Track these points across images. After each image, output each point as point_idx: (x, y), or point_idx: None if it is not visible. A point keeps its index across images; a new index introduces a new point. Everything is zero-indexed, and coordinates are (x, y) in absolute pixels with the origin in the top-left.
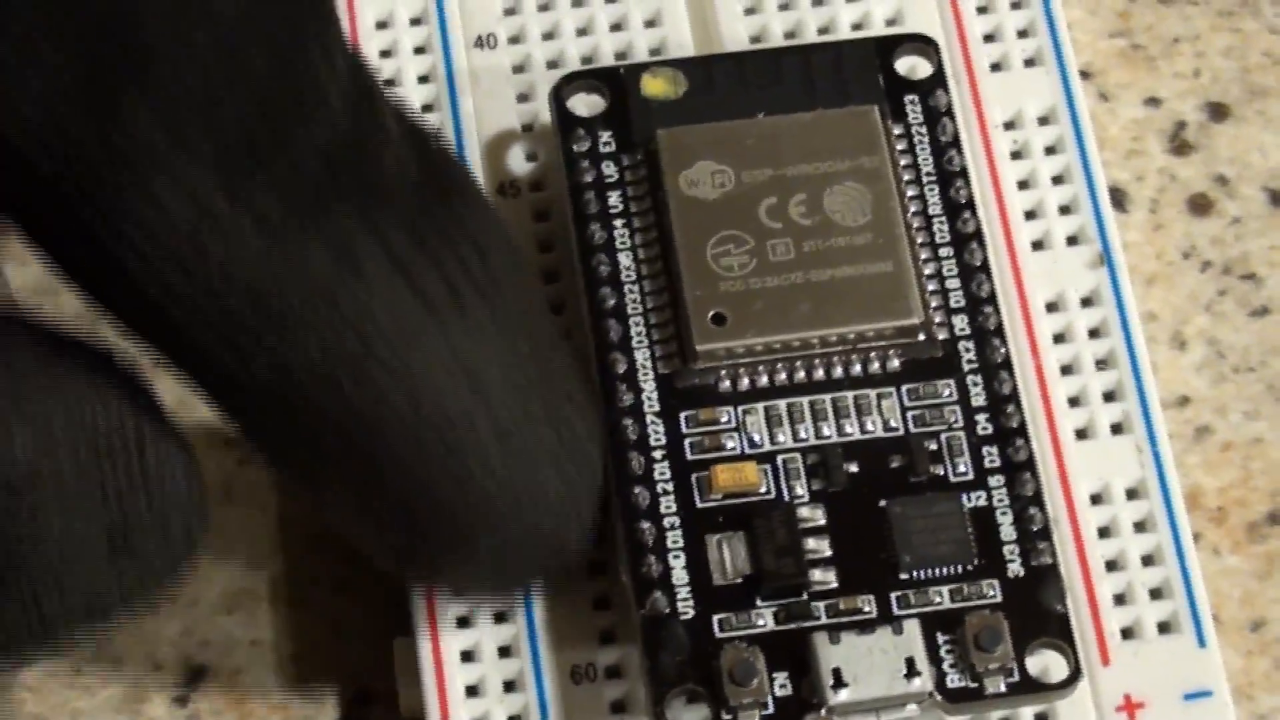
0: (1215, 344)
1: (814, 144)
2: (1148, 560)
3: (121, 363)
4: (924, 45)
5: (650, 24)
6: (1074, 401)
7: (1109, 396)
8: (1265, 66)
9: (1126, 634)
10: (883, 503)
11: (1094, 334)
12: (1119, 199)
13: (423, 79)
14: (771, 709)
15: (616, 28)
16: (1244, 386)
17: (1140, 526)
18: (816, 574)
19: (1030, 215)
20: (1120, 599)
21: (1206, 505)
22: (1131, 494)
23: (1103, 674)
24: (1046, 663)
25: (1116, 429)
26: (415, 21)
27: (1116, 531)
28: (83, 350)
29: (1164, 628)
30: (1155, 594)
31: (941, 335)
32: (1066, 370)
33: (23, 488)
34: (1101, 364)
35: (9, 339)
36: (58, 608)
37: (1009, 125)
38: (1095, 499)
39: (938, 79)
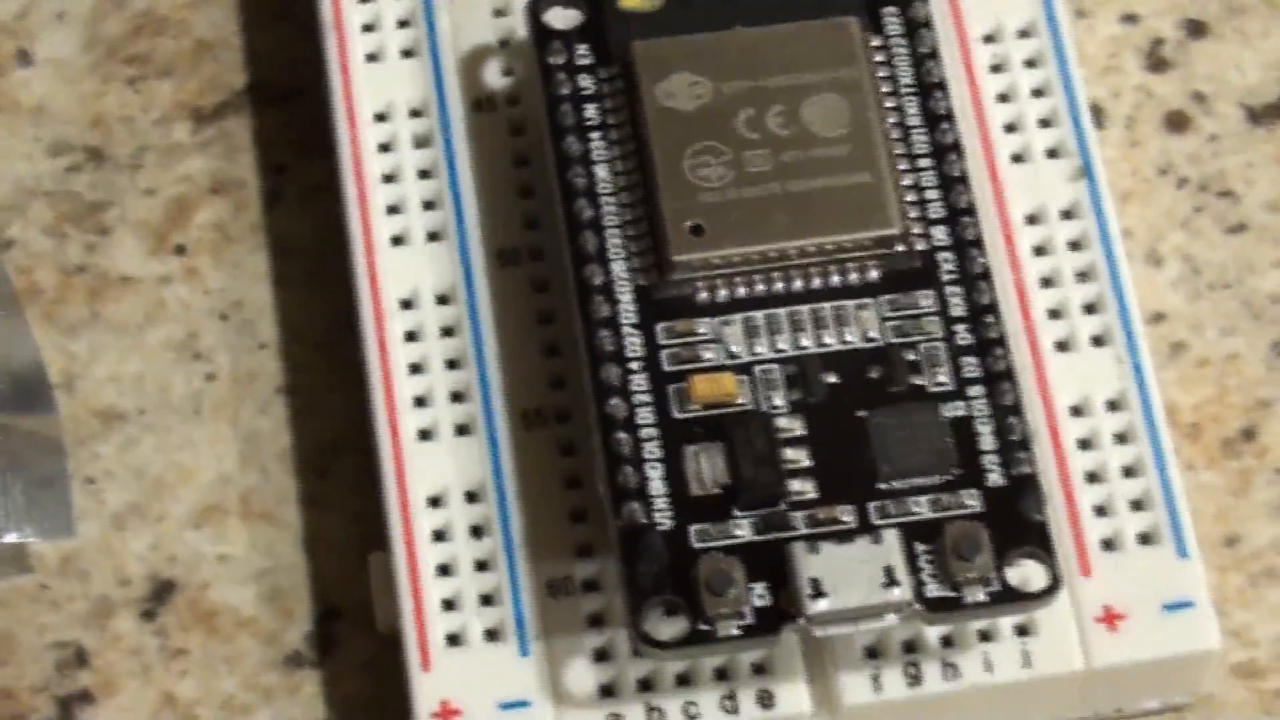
0: (1191, 260)
1: (792, 55)
2: (1128, 472)
3: None
4: None
5: None
6: (1054, 314)
7: (1089, 309)
8: None
9: (1107, 545)
10: (861, 413)
11: (1074, 247)
12: (1096, 115)
13: None
14: (750, 619)
15: None
16: (1219, 303)
17: (1121, 438)
18: (795, 484)
19: (1010, 129)
20: (1101, 510)
21: (1182, 421)
22: (1112, 406)
23: (1083, 585)
24: (1026, 573)
25: (1097, 341)
26: None
27: (1097, 443)
28: None
29: (1144, 539)
30: (1136, 505)
31: (920, 246)
32: (1046, 283)
33: None
34: (1081, 276)
35: None
36: None
37: (989, 39)
38: (1076, 411)
39: None
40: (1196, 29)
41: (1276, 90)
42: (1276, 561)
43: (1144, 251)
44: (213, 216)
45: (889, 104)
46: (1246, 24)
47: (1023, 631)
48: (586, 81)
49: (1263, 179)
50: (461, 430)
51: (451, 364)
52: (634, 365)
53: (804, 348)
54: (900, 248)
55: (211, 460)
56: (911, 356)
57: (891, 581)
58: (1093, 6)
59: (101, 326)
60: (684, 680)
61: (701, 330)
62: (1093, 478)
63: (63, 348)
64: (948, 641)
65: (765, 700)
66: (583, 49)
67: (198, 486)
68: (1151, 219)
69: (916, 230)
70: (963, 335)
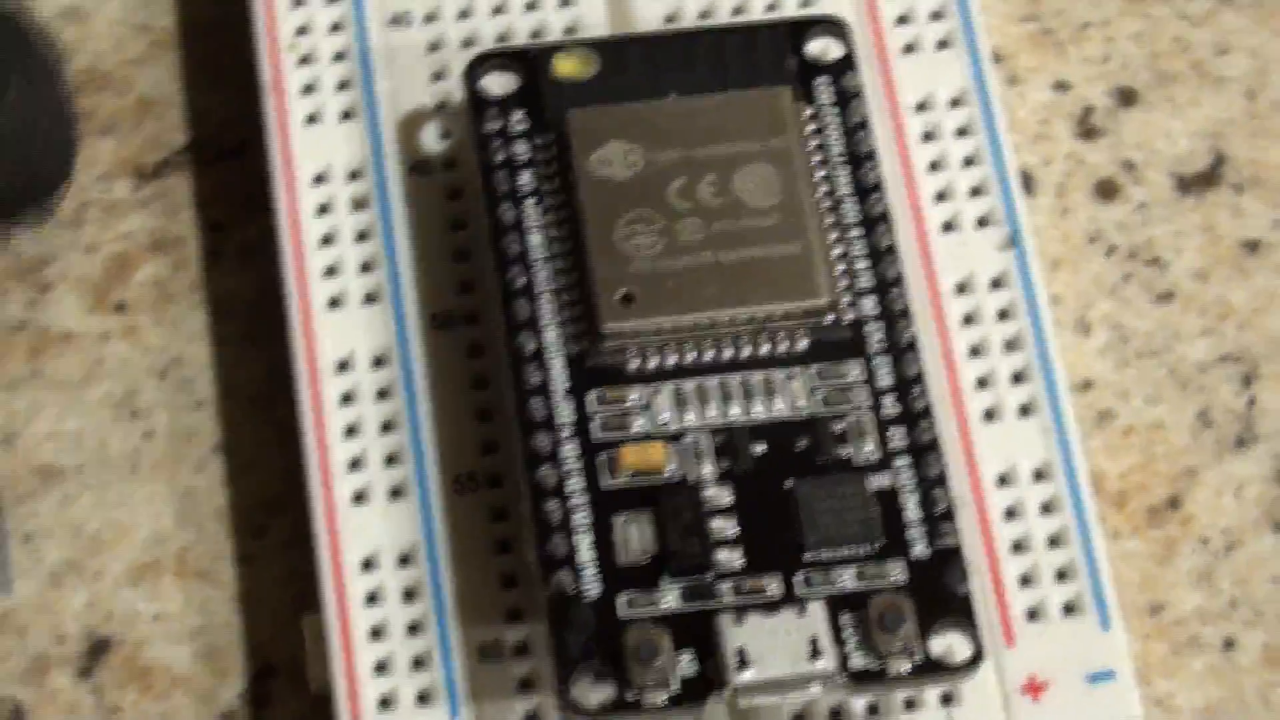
0: (1119, 328)
1: (725, 125)
2: (1053, 542)
3: None
4: (836, 27)
5: (564, 3)
6: (982, 383)
7: (1017, 378)
8: (1174, 53)
9: (1032, 615)
10: (789, 484)
11: (1002, 316)
12: (1026, 183)
13: (338, 56)
14: (676, 688)
15: (531, 6)
16: (1146, 371)
17: (1046, 508)
18: (722, 554)
19: (940, 197)
20: (1025, 580)
21: (1108, 489)
22: (1038, 475)
23: (1008, 654)
24: (950, 644)
25: (1024, 410)
26: None
27: (1022, 513)
28: None
29: (1069, 609)
30: (1060, 575)
31: (849, 316)
32: (975, 352)
33: None
34: (1009, 346)
35: None
36: None
37: (920, 107)
38: (1002, 480)
39: (849, 61)
40: (1127, 97)
41: (1205, 159)
42: (1200, 630)
43: (1073, 319)
44: (153, 274)
45: (820, 174)
46: (1176, 92)
47: (947, 700)
48: (521, 148)
49: (1190, 247)
50: (395, 494)
51: (386, 427)
52: (564, 433)
53: (733, 418)
54: (829, 318)
55: (148, 518)
56: (839, 427)
57: (816, 652)
58: (1024, 74)
59: (41, 383)
60: None
61: (632, 399)
62: (1018, 547)
63: (3, 404)
64: (873, 709)
65: None
66: (519, 115)
67: (134, 544)
68: (1080, 286)
69: (845, 301)
70: (890, 406)
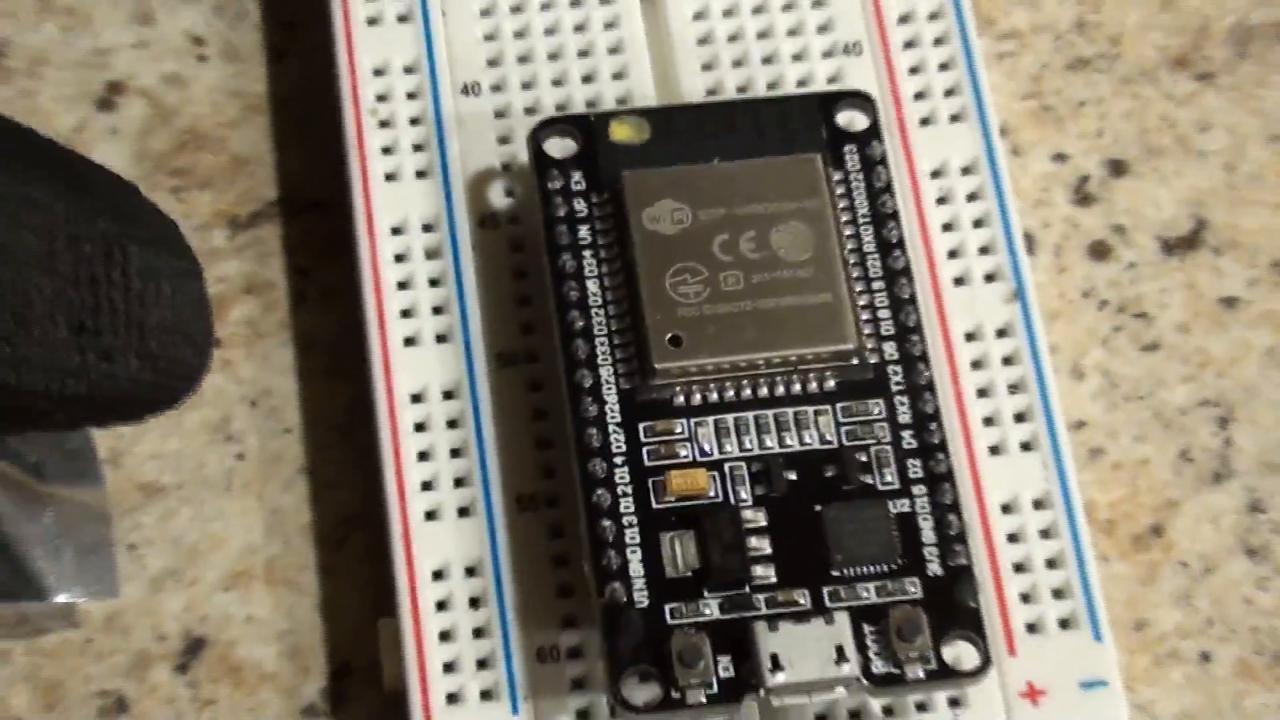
0: (1109, 375)
1: (763, 187)
2: (1051, 564)
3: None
4: (862, 101)
5: (618, 76)
6: (988, 421)
7: (1019, 417)
8: (1161, 129)
9: (1031, 628)
10: (818, 507)
11: (1007, 361)
12: (1028, 243)
13: (414, 121)
14: (716, 689)
15: (588, 79)
16: (1133, 413)
17: (1045, 534)
18: (758, 570)
19: (953, 254)
20: (1026, 597)
21: (1098, 518)
22: (1038, 504)
23: (1009, 663)
24: (960, 653)
25: (1026, 446)
26: (408, 69)
27: (1024, 537)
28: (94, 170)
29: (1064, 624)
30: (1057, 594)
31: (873, 359)
32: (982, 393)
33: None
34: (1013, 388)
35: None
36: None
37: (935, 174)
38: (1006, 508)
39: (873, 131)
40: (1118, 168)
41: (1188, 224)
42: (1179, 645)
43: (1069, 366)
44: (245, 314)
45: (848, 232)
46: (1162, 164)
47: (955, 704)
48: (580, 205)
49: (1174, 303)
50: (463, 512)
51: (455, 452)
52: (617, 460)
53: (768, 448)
54: (855, 361)
55: (240, 531)
56: (862, 458)
57: (841, 658)
58: (1027, 146)
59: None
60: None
61: (678, 430)
62: (1019, 568)
63: (111, 428)
64: (889, 711)
65: None
66: (577, 176)
67: (227, 554)
68: (1076, 337)
69: (869, 345)
70: (908, 440)
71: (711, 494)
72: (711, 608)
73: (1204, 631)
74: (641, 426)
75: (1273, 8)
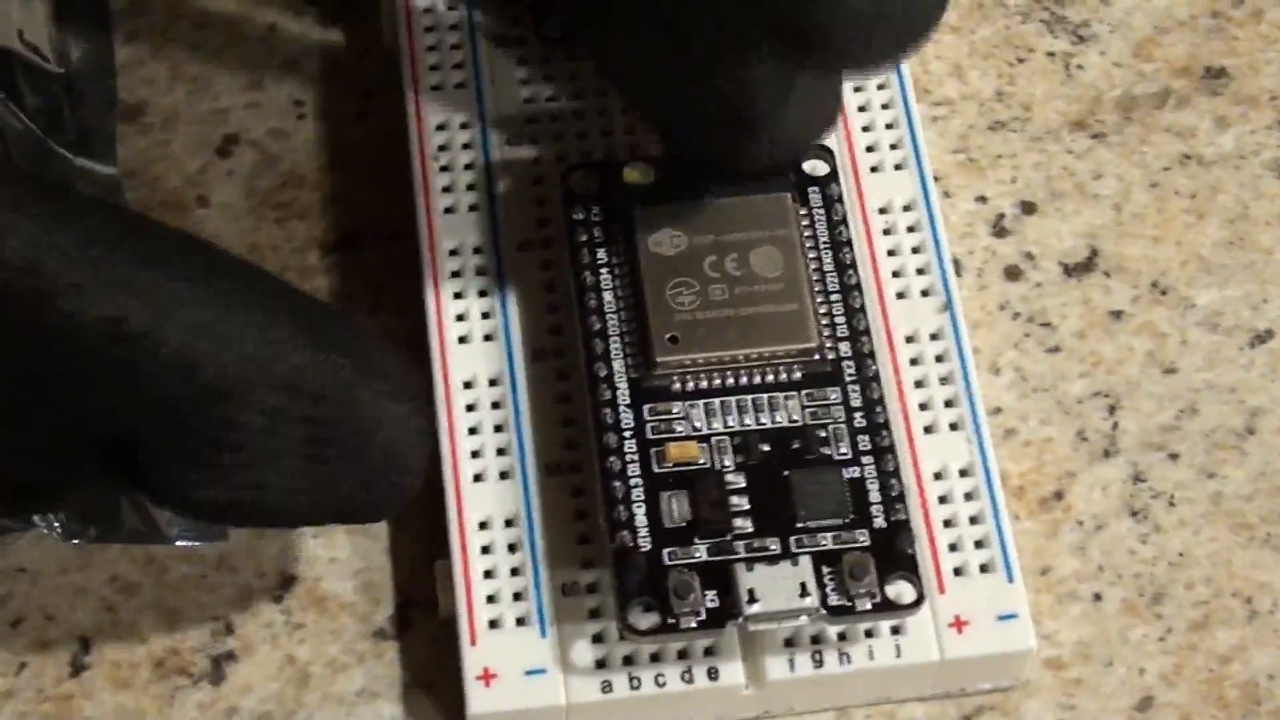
0: (1020, 371)
1: (744, 219)
2: (973, 520)
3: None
4: (824, 153)
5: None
6: (923, 406)
7: (948, 404)
8: (1063, 177)
9: (957, 572)
10: (786, 473)
11: (938, 359)
12: (956, 267)
13: (468, 166)
14: (704, 616)
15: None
16: (1039, 402)
17: (969, 496)
18: (738, 521)
19: (896, 274)
20: (953, 547)
21: (1011, 485)
22: (963, 473)
23: (940, 600)
24: (900, 590)
25: (953, 427)
26: (464, 126)
27: (951, 499)
28: (333, 316)
29: (984, 568)
30: (978, 544)
31: (830, 356)
32: (918, 384)
33: (233, 392)
34: (943, 380)
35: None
36: (251, 493)
37: (882, 210)
38: (937, 476)
39: (832, 176)
40: (1028, 208)
41: (1084, 252)
42: (1076, 587)
43: (988, 364)
44: None
45: (811, 255)
46: (1064, 205)
47: (896, 631)
48: (598, 233)
49: (1072, 315)
50: (503, 475)
51: (498, 428)
52: (626, 434)
53: (746, 425)
54: (816, 357)
55: None
56: (822, 434)
57: (804, 593)
58: (956, 190)
59: None
60: (655, 658)
61: (675, 411)
62: (948, 524)
63: None
64: (843, 637)
65: (713, 675)
66: (597, 209)
67: None
68: (993, 341)
69: (828, 345)
70: (858, 420)
71: (701, 461)
72: (701, 551)
73: (1096, 576)
74: (646, 408)
75: (1151, 82)
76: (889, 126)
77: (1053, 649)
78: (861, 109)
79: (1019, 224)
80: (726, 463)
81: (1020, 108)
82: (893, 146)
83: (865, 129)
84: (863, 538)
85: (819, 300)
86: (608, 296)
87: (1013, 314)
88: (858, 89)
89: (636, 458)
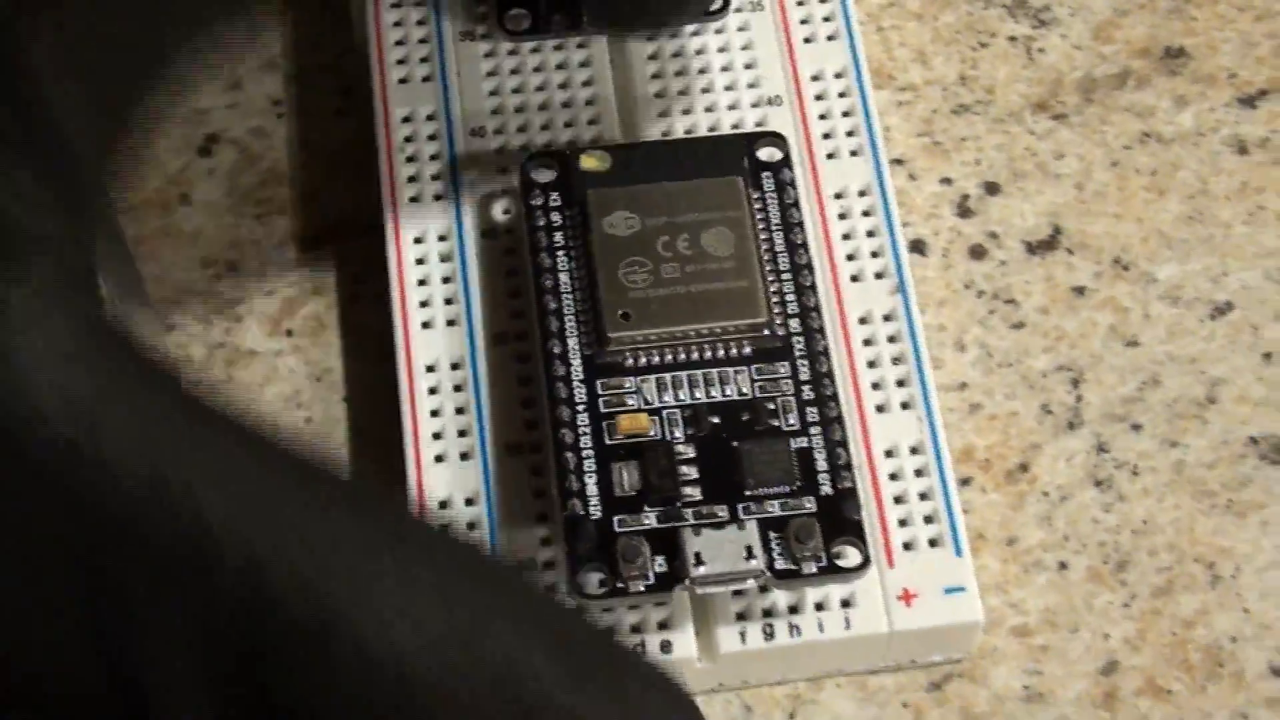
0: (985, 347)
1: (696, 201)
2: (923, 496)
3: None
4: (777, 139)
5: (591, 122)
6: (875, 386)
7: (900, 384)
8: (1025, 158)
9: (907, 546)
10: (735, 443)
11: (891, 340)
12: (921, 248)
13: (433, 157)
14: (652, 580)
15: (568, 124)
16: (1004, 377)
17: (919, 473)
18: (686, 490)
19: (850, 257)
20: (903, 522)
21: (977, 458)
22: (913, 450)
23: (889, 573)
24: (845, 553)
25: (905, 406)
26: (429, 117)
27: (902, 476)
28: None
29: (933, 543)
30: (927, 519)
31: (780, 331)
32: (871, 364)
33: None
34: (895, 361)
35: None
36: None
37: (838, 195)
38: (889, 453)
39: (785, 162)
40: (992, 188)
41: (1047, 231)
42: (1041, 556)
43: (954, 340)
44: (312, 311)
45: (763, 236)
46: (1026, 185)
47: (846, 604)
48: (555, 217)
49: (1036, 292)
50: (464, 456)
51: (459, 410)
52: (579, 407)
53: (697, 398)
54: (766, 332)
55: None
56: (771, 406)
57: (750, 556)
58: (920, 172)
59: (232, 386)
60: (610, 632)
61: (627, 385)
62: (898, 500)
63: None
64: (794, 609)
65: (666, 648)
66: (555, 195)
67: None
68: (959, 318)
69: (778, 320)
70: (807, 393)
71: (652, 433)
72: (650, 519)
73: (1061, 546)
74: (599, 383)
75: (1111, 63)
76: (845, 114)
77: (1019, 617)
78: (819, 97)
79: (983, 204)
80: (677, 434)
81: (983, 91)
82: (849, 133)
83: (822, 116)
84: (809, 504)
85: (770, 279)
86: (563, 277)
87: (978, 292)
88: (815, 77)
89: (589, 430)
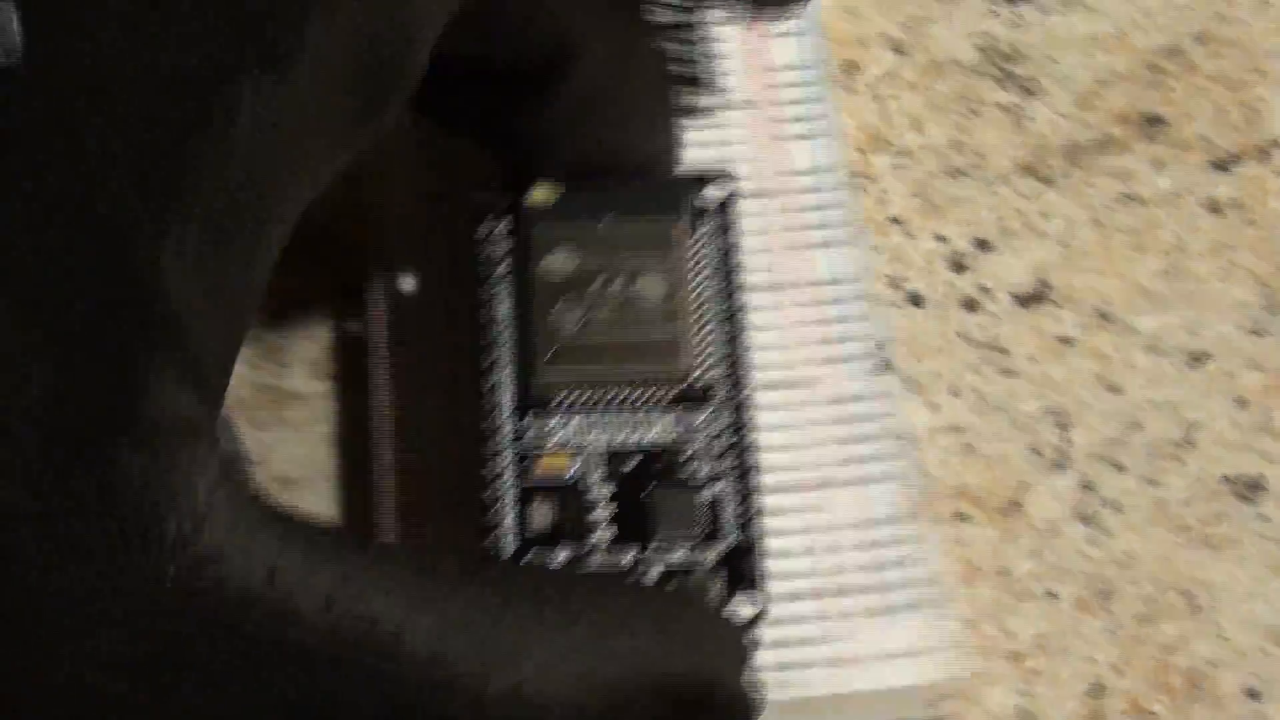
0: (978, 393)
1: (635, 242)
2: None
3: None
4: (726, 178)
5: None
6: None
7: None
8: (1014, 217)
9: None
10: (648, 489)
11: None
12: (918, 300)
13: None
14: None
15: None
16: (996, 421)
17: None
18: (600, 532)
19: None
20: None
21: (972, 495)
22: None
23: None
24: (741, 606)
25: None
26: None
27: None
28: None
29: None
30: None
31: (700, 382)
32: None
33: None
34: None
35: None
36: None
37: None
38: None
39: (728, 204)
40: (983, 245)
41: (1034, 285)
42: (1032, 586)
43: (948, 386)
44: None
45: (699, 281)
46: (1015, 242)
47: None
48: (499, 249)
49: (1025, 342)
50: None
51: None
52: (505, 442)
53: (617, 442)
54: (685, 384)
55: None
56: (686, 454)
57: None
58: (917, 230)
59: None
60: None
61: (551, 425)
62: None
63: (254, 438)
64: None
65: None
66: (501, 226)
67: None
68: (953, 366)
69: (698, 369)
70: (723, 443)
71: (570, 473)
72: (562, 555)
73: (1050, 576)
74: (525, 420)
75: (1094, 130)
76: (801, 137)
77: (1012, 643)
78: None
79: (975, 260)
80: (594, 477)
81: (975, 155)
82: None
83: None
84: (712, 555)
85: (701, 324)
86: (502, 309)
87: (971, 342)
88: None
89: (512, 466)
